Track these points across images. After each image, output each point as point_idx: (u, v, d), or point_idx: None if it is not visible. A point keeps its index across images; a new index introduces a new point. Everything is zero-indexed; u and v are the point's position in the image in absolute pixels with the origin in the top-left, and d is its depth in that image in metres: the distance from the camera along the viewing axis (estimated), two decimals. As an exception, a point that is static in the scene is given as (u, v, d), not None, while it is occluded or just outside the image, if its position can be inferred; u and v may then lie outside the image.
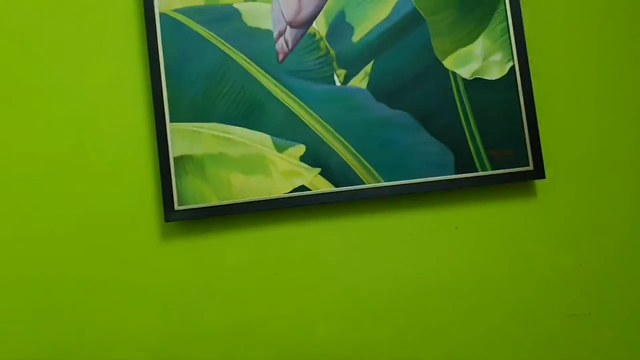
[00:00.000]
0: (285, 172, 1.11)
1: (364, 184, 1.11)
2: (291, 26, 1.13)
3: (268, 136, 1.11)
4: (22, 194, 1.08)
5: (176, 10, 1.12)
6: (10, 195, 1.08)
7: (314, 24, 1.14)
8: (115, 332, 1.07)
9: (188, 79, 1.11)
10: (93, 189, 1.09)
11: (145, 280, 1.09)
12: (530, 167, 1.13)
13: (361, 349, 1.11)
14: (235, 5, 1.13)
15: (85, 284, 1.07)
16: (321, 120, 1.12)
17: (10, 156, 1.09)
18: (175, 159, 1.09)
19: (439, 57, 1.14)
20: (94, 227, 1.09)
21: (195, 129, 1.10)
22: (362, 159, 1.12)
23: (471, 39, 1.15)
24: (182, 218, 1.08)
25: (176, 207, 1.08)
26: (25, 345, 1.05)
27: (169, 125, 1.09)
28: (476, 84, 1.15)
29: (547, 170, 1.17)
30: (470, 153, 1.13)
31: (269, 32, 1.13)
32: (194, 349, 1.08)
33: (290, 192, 1.10)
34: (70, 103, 1.11)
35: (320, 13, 1.14)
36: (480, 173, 1.13)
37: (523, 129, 1.14)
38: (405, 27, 1.15)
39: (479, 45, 1.15)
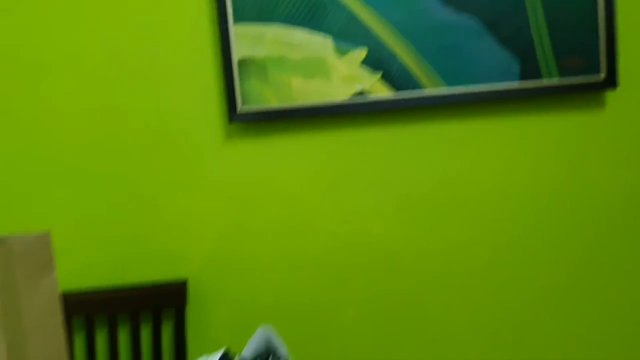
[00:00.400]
0: (345, 76, 1.11)
1: (425, 90, 1.10)
2: None
3: (329, 40, 1.10)
4: (95, 98, 1.14)
5: None
6: (85, 99, 1.14)
7: None
8: (180, 224, 1.16)
9: (250, -21, 1.10)
10: (160, 91, 1.14)
11: (209, 178, 1.15)
12: (602, 77, 1.09)
13: (412, 248, 1.16)
14: None
15: (154, 179, 1.15)
16: (384, 23, 1.09)
17: (83, 61, 1.13)
18: (238, 61, 1.11)
19: (512, -44, 1.08)
20: (163, 128, 1.14)
21: (257, 31, 1.10)
22: (424, 63, 1.10)
23: None
24: (244, 120, 1.11)
25: (239, 108, 1.12)
26: (103, 230, 1.16)
27: (232, 27, 1.10)
28: (551, -14, 1.08)
29: (619, 81, 1.12)
30: (538, 61, 1.09)
31: None
32: (253, 243, 1.16)
33: (350, 97, 1.11)
34: (135, 6, 1.12)
35: None
36: (547, 82, 1.09)
37: (598, 36, 1.08)
38: None
39: (557, -57, 1.07)
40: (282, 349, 0.57)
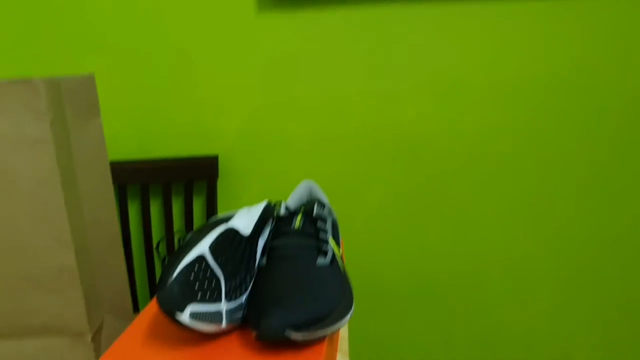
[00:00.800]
0: (387, -55, 1.03)
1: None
2: None
3: None
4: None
5: None
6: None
7: None
8: (211, 99, 1.15)
9: None
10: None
11: (241, 52, 1.12)
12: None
13: (446, 133, 1.14)
14: None
15: (185, 53, 1.12)
16: None
17: None
18: None
19: None
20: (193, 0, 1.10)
21: None
22: None
23: None
24: (278, -10, 1.06)
25: (273, -23, 1.06)
26: (136, 105, 1.15)
27: None
28: None
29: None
30: None
31: None
32: (284, 120, 1.15)
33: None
34: None
35: None
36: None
37: None
38: None
39: None
40: (325, 199, 0.58)
